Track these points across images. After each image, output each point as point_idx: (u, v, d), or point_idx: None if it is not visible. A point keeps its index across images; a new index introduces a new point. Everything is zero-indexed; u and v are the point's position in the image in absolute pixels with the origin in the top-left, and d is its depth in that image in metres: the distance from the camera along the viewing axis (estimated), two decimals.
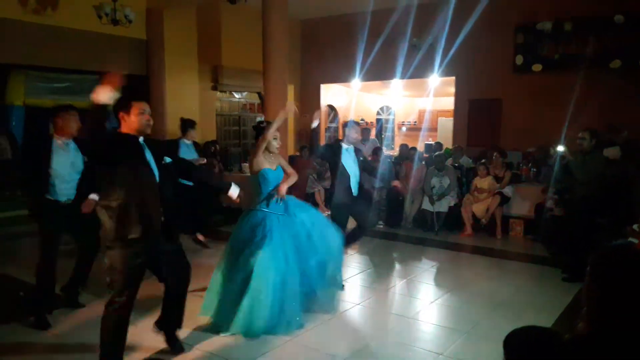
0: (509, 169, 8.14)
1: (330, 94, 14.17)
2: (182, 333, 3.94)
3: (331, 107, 14.50)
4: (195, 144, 7.20)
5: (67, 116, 4.31)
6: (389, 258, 6.65)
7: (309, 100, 13.84)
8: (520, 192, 7.98)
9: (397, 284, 5.66)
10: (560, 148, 6.21)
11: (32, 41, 8.84)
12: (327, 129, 14.49)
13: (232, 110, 12.98)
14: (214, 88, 12.01)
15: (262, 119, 4.60)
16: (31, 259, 6.30)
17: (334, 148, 5.44)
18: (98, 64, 9.95)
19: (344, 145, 5.35)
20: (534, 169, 8.51)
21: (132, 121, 3.28)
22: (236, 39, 11.84)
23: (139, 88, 10.66)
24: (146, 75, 10.67)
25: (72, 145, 4.39)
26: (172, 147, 6.56)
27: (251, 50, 10.69)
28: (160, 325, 3.83)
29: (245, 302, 3.98)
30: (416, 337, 4.25)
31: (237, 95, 13.05)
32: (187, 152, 6.76)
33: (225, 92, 12.52)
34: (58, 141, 4.32)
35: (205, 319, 4.29)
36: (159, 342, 3.84)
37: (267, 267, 4.03)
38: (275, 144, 4.46)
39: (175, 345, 3.82)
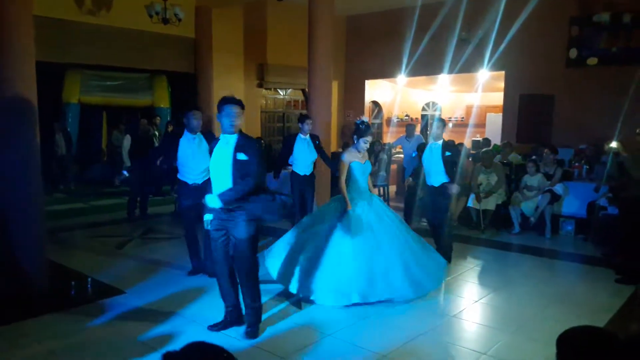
0: (560, 166, 7.87)
1: (375, 89, 14.08)
2: None
3: (375, 103, 14.41)
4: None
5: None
6: None
7: (353, 96, 13.82)
8: (571, 190, 7.70)
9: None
10: (614, 144, 5.96)
11: (87, 41, 9.21)
12: (372, 125, 14.42)
13: (277, 107, 13.11)
14: (259, 85, 12.17)
15: (365, 119, 5.14)
16: (85, 250, 6.66)
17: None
18: (149, 62, 10.28)
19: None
20: (587, 166, 8.19)
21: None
22: (281, 37, 11.95)
23: (188, 86, 10.97)
24: (194, 73, 10.91)
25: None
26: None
27: (296, 47, 10.77)
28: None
29: (321, 269, 4.58)
30: (459, 336, 4.19)
31: (281, 92, 13.17)
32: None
33: (270, 89, 12.66)
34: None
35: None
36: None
37: (344, 239, 4.64)
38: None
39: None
